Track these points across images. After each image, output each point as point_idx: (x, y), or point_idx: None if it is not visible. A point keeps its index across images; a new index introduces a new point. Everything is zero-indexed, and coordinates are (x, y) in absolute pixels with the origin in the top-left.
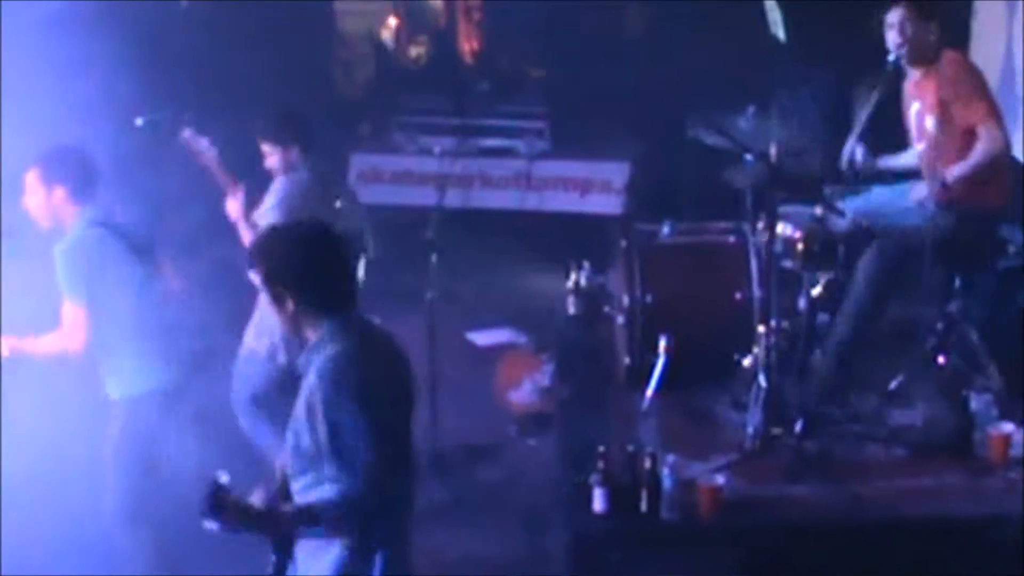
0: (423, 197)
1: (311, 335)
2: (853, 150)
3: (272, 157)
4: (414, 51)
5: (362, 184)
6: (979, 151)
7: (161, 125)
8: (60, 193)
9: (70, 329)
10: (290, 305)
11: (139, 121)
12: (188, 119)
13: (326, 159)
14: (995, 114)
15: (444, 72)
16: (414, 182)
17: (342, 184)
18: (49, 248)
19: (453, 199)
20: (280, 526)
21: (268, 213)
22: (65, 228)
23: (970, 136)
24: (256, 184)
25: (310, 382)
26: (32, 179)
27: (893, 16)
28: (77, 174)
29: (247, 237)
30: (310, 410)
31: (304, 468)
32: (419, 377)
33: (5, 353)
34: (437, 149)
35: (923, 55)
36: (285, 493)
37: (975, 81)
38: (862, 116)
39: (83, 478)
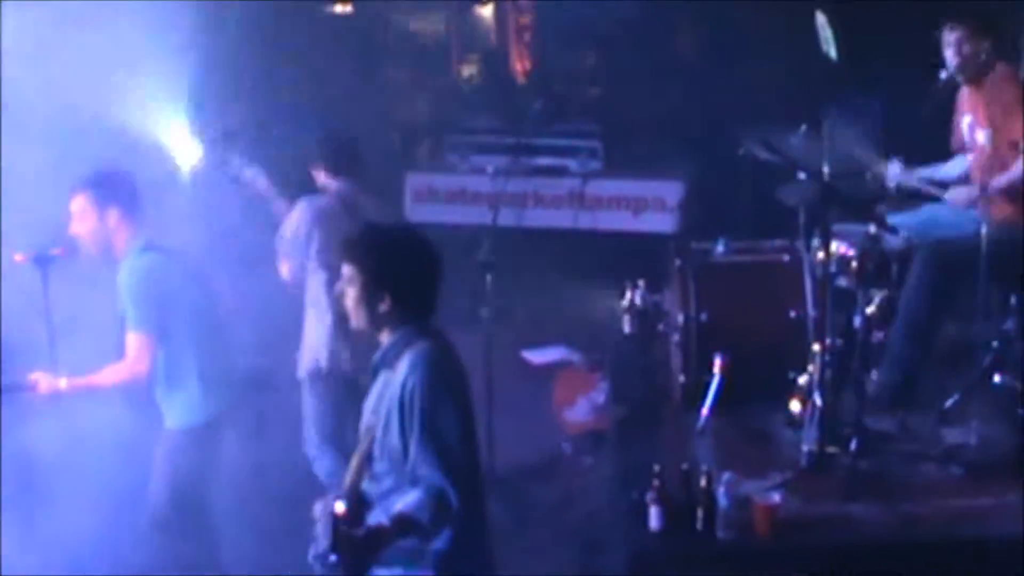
0: (477, 216)
1: (385, 337)
2: (890, 168)
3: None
4: (466, 71)
5: (417, 203)
6: (1021, 165)
7: (217, 142)
8: (114, 214)
9: (135, 358)
10: (384, 305)
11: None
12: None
13: (381, 179)
14: None
15: (497, 92)
16: (468, 201)
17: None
18: (99, 270)
19: (506, 218)
20: (382, 544)
21: (279, 237)
22: (117, 253)
23: (1016, 150)
24: None
25: (399, 376)
26: (82, 203)
27: (951, 35)
28: (129, 194)
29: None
30: (404, 402)
31: (389, 468)
32: (474, 395)
33: (63, 387)
34: (490, 168)
35: (976, 72)
36: (354, 510)
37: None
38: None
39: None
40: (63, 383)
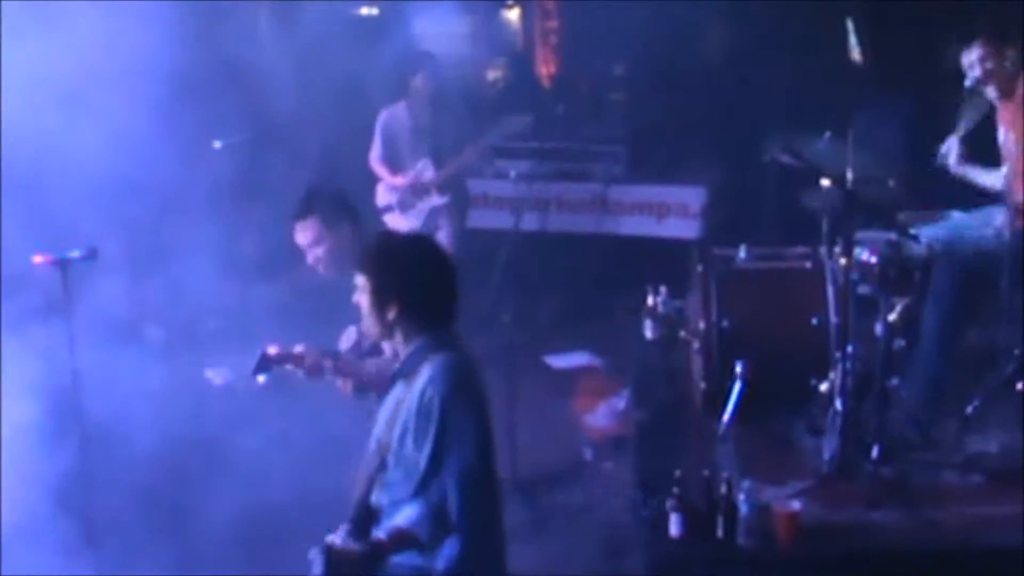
0: (499, 220)
1: (401, 345)
2: (949, 147)
3: None
4: (492, 75)
5: None
6: None
7: (239, 148)
8: (347, 228)
9: None
10: (392, 314)
11: (217, 144)
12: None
13: None
14: None
15: (522, 96)
16: (491, 205)
17: None
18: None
19: (529, 222)
20: (379, 559)
21: None
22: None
23: None
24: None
25: (418, 385)
26: (315, 229)
27: (972, 54)
28: (349, 203)
29: None
30: (421, 413)
31: (403, 477)
32: (496, 400)
33: (327, 366)
34: (513, 173)
35: (1005, 84)
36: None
37: None
38: (967, 118)
39: None
40: (328, 363)
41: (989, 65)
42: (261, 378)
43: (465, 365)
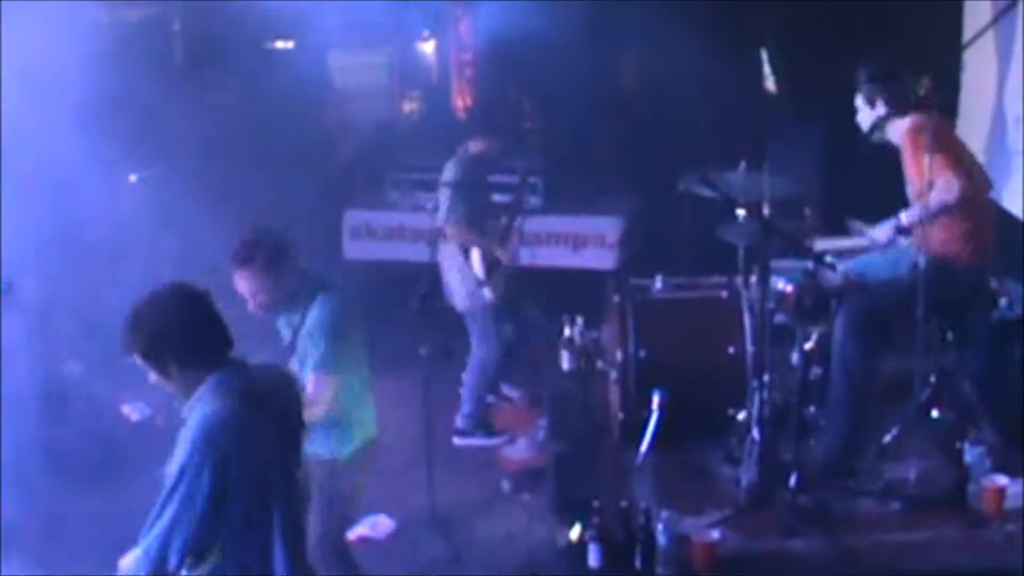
0: (415, 253)
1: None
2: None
3: None
4: (407, 107)
5: (354, 240)
6: (933, 198)
7: (154, 182)
8: (286, 268)
9: (328, 397)
10: (174, 370)
11: (133, 178)
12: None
13: (320, 215)
14: (952, 165)
15: (437, 128)
16: (407, 238)
17: None
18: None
19: None
20: None
21: None
22: (289, 300)
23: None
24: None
25: (185, 435)
26: (256, 272)
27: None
28: (287, 245)
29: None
30: (179, 450)
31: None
32: (414, 433)
33: None
34: (430, 205)
35: (880, 132)
36: None
37: (925, 141)
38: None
39: None
40: None
41: (878, 107)
42: None
43: (224, 420)
